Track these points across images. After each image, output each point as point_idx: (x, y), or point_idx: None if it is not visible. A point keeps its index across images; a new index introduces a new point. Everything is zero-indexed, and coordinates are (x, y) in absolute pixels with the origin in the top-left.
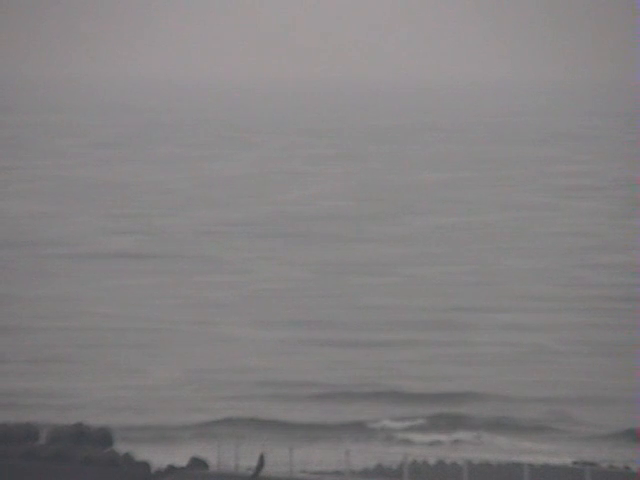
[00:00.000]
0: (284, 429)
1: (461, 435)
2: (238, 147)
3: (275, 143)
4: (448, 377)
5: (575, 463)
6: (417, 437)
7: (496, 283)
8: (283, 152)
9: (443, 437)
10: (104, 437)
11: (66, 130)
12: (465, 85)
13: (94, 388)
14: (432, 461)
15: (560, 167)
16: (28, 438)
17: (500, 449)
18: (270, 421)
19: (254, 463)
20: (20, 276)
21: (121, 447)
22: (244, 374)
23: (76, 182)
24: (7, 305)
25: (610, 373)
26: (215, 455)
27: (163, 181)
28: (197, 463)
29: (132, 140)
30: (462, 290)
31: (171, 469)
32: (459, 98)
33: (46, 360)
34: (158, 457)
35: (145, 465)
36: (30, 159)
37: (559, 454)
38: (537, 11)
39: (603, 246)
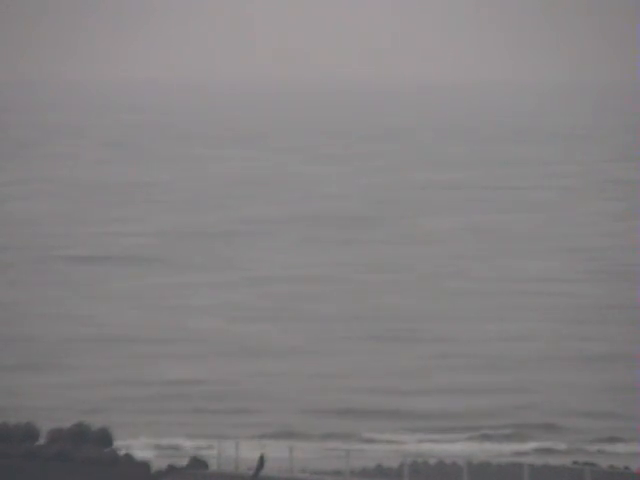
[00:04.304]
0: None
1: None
2: (241, 147)
3: (280, 144)
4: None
5: (575, 463)
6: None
7: (502, 286)
8: (288, 153)
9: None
10: (104, 437)
11: (66, 130)
12: (467, 85)
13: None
14: (432, 461)
15: (561, 167)
16: (28, 438)
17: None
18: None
19: (254, 463)
20: (23, 278)
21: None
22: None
23: (78, 183)
24: (9, 308)
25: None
26: (215, 455)
27: (168, 182)
28: (197, 463)
29: (135, 140)
30: (470, 293)
31: (171, 469)
32: (461, 98)
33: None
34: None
35: (145, 465)
36: (30, 160)
37: None
38: (537, 11)
39: (606, 246)
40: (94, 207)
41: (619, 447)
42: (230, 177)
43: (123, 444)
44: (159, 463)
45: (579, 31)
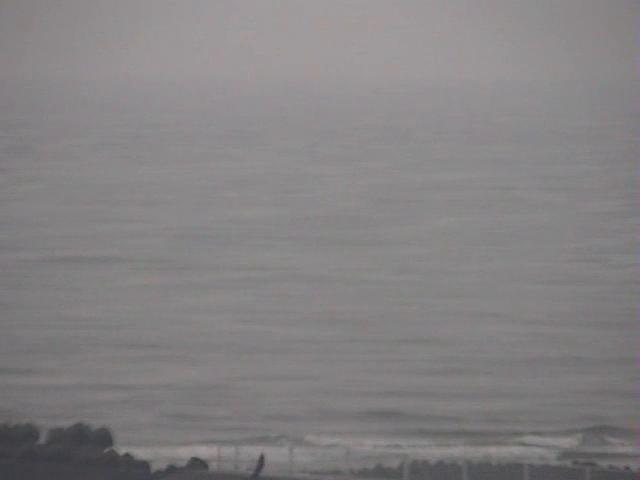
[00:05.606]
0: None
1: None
2: (241, 147)
3: (280, 144)
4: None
5: (575, 463)
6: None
7: (503, 286)
8: (288, 153)
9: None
10: (104, 437)
11: (67, 130)
12: (466, 86)
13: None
14: (432, 461)
15: (561, 167)
16: (28, 438)
17: None
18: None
19: (254, 463)
20: (22, 279)
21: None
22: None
23: (78, 183)
24: (8, 308)
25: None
26: (215, 455)
27: (168, 182)
28: (197, 463)
29: (137, 140)
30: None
31: (171, 469)
32: (461, 98)
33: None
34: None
35: (145, 465)
36: (30, 160)
37: None
38: (537, 11)
39: (607, 246)
40: (94, 207)
41: (619, 447)
42: (230, 177)
43: (122, 447)
44: (159, 463)
45: (579, 31)
